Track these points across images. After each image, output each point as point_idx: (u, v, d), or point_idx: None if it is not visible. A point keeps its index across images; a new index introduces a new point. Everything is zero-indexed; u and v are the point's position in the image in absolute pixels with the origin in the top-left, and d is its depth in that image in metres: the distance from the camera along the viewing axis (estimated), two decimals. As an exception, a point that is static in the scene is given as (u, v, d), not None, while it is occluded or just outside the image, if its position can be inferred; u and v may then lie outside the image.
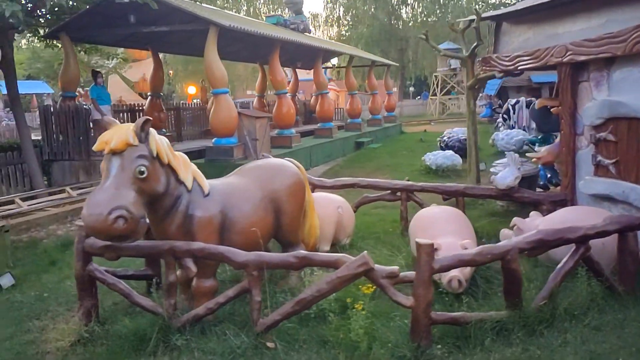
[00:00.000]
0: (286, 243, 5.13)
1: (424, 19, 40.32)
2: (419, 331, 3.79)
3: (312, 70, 16.78)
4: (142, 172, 3.83)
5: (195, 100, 23.19)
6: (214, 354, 3.94)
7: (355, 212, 6.83)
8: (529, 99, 16.04)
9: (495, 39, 7.93)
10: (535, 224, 5.38)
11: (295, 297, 4.11)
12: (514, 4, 7.40)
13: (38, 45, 25.96)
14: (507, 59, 7.17)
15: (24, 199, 7.53)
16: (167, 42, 14.31)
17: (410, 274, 3.97)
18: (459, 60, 31.88)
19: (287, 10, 23.64)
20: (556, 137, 7.85)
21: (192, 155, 9.83)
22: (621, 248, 4.52)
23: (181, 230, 4.23)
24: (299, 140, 14.00)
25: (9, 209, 6.93)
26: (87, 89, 19.06)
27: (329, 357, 3.84)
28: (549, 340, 3.87)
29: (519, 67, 6.99)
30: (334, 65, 28.44)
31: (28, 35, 12.53)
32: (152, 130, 4.04)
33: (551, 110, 7.32)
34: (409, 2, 40.90)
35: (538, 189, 7.71)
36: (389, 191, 7.04)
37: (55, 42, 11.94)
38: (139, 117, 12.11)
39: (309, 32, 18.70)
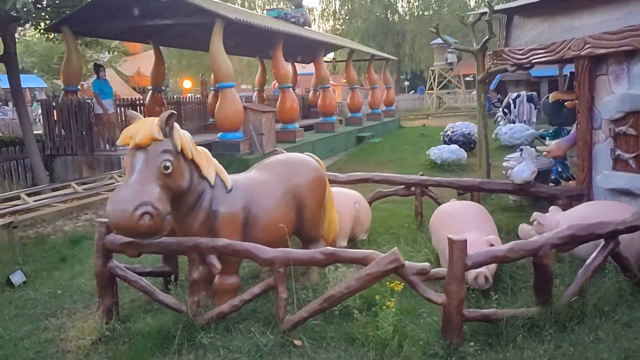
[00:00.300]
0: (307, 239, 5.06)
1: (421, 12, 40.23)
2: (451, 328, 3.74)
3: (312, 64, 16.67)
4: (167, 167, 3.73)
5: (190, 95, 23.00)
6: (240, 352, 3.87)
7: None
8: (529, 93, 16.01)
9: (506, 32, 7.87)
10: (556, 219, 5.35)
11: (323, 294, 4.04)
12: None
13: (30, 39, 25.68)
14: (520, 52, 7.12)
15: (28, 195, 7.40)
16: (168, 35, 14.17)
17: (441, 270, 3.91)
18: (456, 55, 31.68)
19: (282, 3, 23.48)
20: (568, 131, 7.82)
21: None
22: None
23: (205, 226, 4.15)
24: (302, 135, 13.91)
25: (16, 205, 6.80)
26: (84, 82, 18.88)
27: (359, 355, 3.79)
28: (581, 337, 3.85)
29: (533, 61, 6.93)
30: (334, 59, 28.24)
31: (27, 27, 12.32)
32: (176, 125, 3.95)
33: (565, 104, 7.28)
34: (405, -5, 40.87)
35: (550, 184, 7.68)
36: (403, 186, 6.98)
37: (56, 35, 11.77)
38: (138, 111, 12.10)
39: (309, 25, 18.56)
